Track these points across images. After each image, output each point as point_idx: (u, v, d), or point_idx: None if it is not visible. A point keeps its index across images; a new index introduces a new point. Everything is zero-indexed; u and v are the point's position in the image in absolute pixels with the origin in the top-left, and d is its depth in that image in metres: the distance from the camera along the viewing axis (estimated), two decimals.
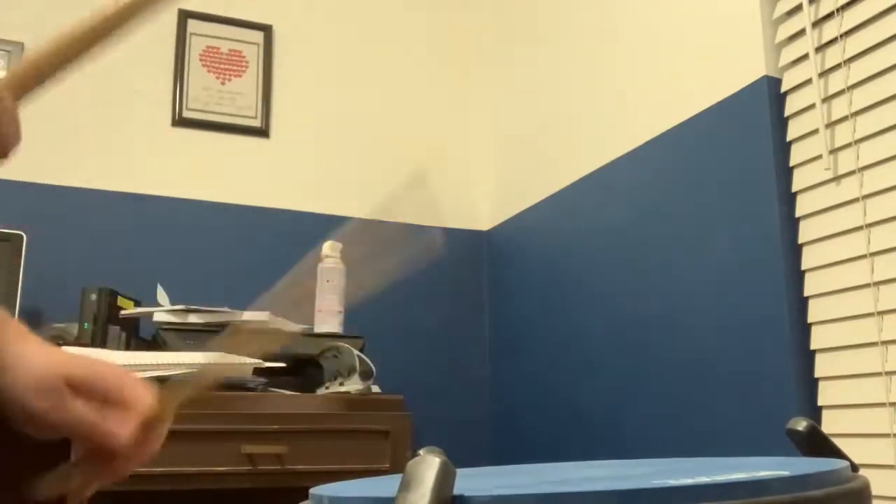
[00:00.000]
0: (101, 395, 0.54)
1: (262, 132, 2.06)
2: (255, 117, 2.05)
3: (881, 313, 1.11)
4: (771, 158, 1.27)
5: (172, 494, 1.30)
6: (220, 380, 0.57)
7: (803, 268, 1.24)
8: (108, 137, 1.91)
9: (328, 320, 1.68)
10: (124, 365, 1.31)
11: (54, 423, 0.51)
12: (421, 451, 0.46)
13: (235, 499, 1.39)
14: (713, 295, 1.37)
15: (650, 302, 1.52)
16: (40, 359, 0.53)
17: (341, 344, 1.53)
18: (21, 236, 1.60)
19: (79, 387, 0.53)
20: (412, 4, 2.32)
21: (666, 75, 1.54)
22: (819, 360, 1.20)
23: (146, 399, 0.55)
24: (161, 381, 1.29)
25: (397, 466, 1.38)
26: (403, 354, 2.04)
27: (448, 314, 2.15)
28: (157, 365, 1.30)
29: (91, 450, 0.53)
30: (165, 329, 1.50)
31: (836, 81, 1.21)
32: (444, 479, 0.34)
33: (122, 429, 0.53)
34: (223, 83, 2.03)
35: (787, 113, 1.29)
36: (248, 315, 1.58)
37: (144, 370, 1.29)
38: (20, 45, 1.86)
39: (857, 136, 1.17)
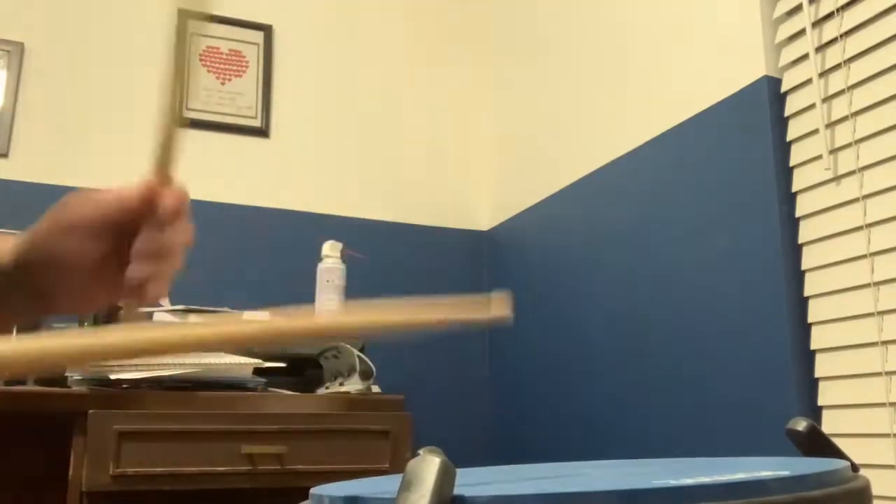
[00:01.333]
0: (102, 192, 0.53)
1: (262, 132, 2.06)
2: (255, 117, 2.05)
3: (881, 313, 1.11)
4: (771, 158, 1.27)
5: (172, 494, 1.30)
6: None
7: (803, 268, 1.24)
8: (107, 137, 1.91)
9: None
10: (124, 365, 1.31)
11: (73, 215, 0.50)
12: (421, 451, 0.46)
13: (235, 499, 1.39)
14: (713, 295, 1.36)
15: (650, 302, 1.52)
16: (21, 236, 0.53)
17: (341, 344, 1.53)
18: None
19: (79, 196, 0.53)
20: (412, 5, 2.32)
21: (666, 75, 1.54)
22: (819, 360, 1.20)
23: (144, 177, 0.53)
24: (158, 382, 1.29)
25: (397, 466, 1.38)
26: (403, 354, 2.04)
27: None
28: (158, 365, 1.30)
29: (132, 233, 0.51)
30: None
31: (836, 81, 1.21)
32: (445, 479, 0.34)
33: (138, 186, 0.52)
34: (223, 83, 2.03)
35: (787, 113, 1.29)
36: (248, 315, 1.58)
37: (144, 370, 1.29)
38: (20, 45, 1.86)
39: (857, 136, 1.17)
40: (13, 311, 0.54)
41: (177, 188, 0.54)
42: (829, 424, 1.17)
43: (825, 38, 1.24)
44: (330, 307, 1.69)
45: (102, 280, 0.52)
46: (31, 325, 0.51)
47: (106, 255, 0.52)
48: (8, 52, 1.85)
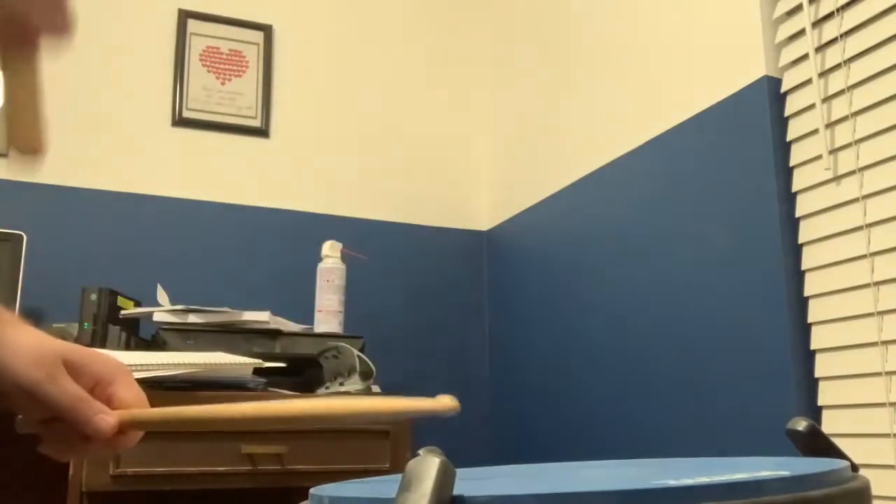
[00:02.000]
0: (93, 380, 0.55)
1: (262, 132, 2.06)
2: (255, 117, 2.05)
3: (881, 313, 1.11)
4: (771, 158, 1.27)
5: (172, 494, 1.30)
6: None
7: (803, 268, 1.24)
8: (108, 137, 1.91)
9: (328, 320, 1.68)
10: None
11: (45, 395, 0.53)
12: (421, 451, 0.46)
13: (235, 499, 1.39)
14: (713, 294, 1.37)
15: (650, 302, 1.52)
16: (38, 337, 0.55)
17: (341, 344, 1.53)
18: (21, 236, 1.60)
19: (73, 367, 0.54)
20: (412, 5, 2.32)
21: (666, 75, 1.54)
22: (819, 360, 1.20)
23: (133, 397, 0.57)
24: (158, 382, 1.29)
25: (397, 466, 1.38)
26: (403, 354, 2.04)
27: (448, 314, 2.15)
28: (157, 365, 1.30)
29: (73, 427, 0.54)
30: (165, 329, 1.50)
31: (836, 81, 1.21)
32: (444, 479, 0.34)
33: (104, 419, 0.55)
34: (223, 83, 2.03)
35: (787, 113, 1.29)
36: (248, 315, 1.58)
37: (144, 370, 1.29)
38: None
39: (857, 136, 1.17)
40: None
41: (129, 438, 0.59)
42: (829, 424, 1.17)
43: (825, 38, 1.24)
44: (329, 307, 1.69)
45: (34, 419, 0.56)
46: None
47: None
48: None
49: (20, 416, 0.56)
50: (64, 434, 0.55)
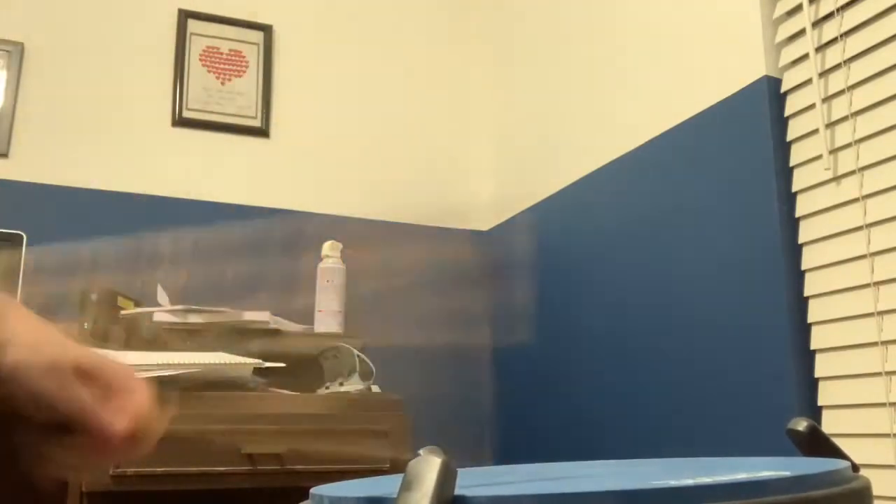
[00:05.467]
0: (105, 385, 0.54)
1: (262, 132, 2.06)
2: (255, 117, 2.05)
3: (881, 313, 1.11)
4: (771, 158, 1.27)
5: (172, 494, 1.30)
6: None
7: (803, 268, 1.24)
8: (108, 137, 1.91)
9: (328, 320, 1.68)
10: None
11: (56, 403, 0.52)
12: (422, 451, 0.46)
13: (235, 499, 1.39)
14: (713, 295, 1.37)
15: (650, 302, 1.52)
16: (50, 340, 0.54)
17: (341, 344, 1.53)
18: (21, 236, 1.60)
19: (85, 374, 0.53)
20: (412, 5, 2.32)
21: (665, 75, 1.54)
22: (819, 360, 1.20)
23: (147, 398, 0.56)
24: (161, 380, 1.29)
25: (397, 466, 1.38)
26: (403, 354, 2.04)
27: (448, 314, 2.15)
28: (157, 365, 1.30)
29: (84, 436, 0.53)
30: (165, 329, 1.50)
31: (836, 81, 1.21)
32: (445, 479, 0.34)
33: (119, 420, 0.54)
34: (223, 83, 2.03)
35: (787, 113, 1.29)
36: (248, 315, 1.58)
37: (144, 370, 1.29)
38: (20, 46, 1.86)
39: (857, 136, 1.17)
40: None
41: (149, 434, 0.57)
42: (829, 424, 1.17)
43: (825, 38, 1.24)
44: (329, 307, 1.69)
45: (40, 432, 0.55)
46: None
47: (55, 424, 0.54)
48: (8, 52, 1.84)
49: (26, 442, 0.55)
50: (75, 451, 0.54)
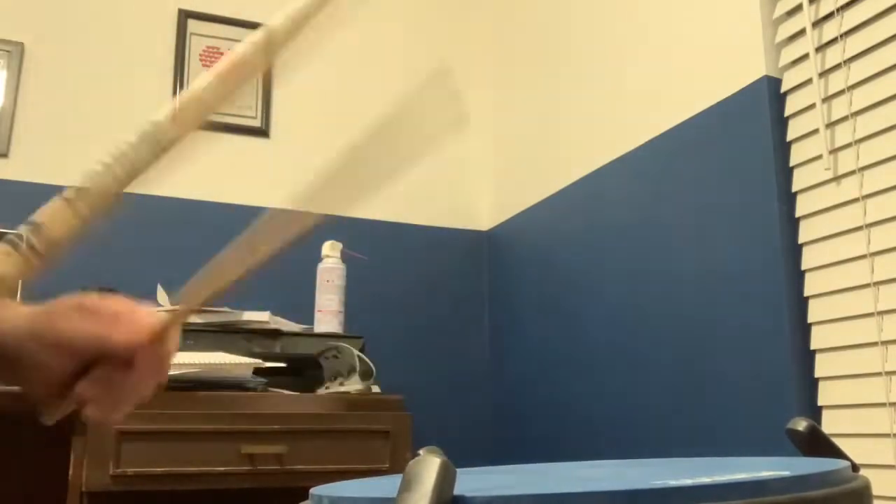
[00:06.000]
0: (111, 314, 0.54)
1: (262, 132, 2.06)
2: (255, 117, 2.05)
3: (881, 313, 1.11)
4: (771, 158, 1.27)
5: (172, 494, 1.30)
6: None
7: (803, 268, 1.24)
8: (108, 137, 1.90)
9: (328, 320, 1.68)
10: None
11: (62, 333, 0.52)
12: (421, 451, 0.46)
13: (235, 499, 1.39)
14: (713, 295, 1.36)
15: (650, 302, 1.52)
16: (47, 304, 0.54)
17: (341, 344, 1.53)
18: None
19: (89, 310, 0.53)
20: (412, 5, 2.32)
21: (666, 75, 1.54)
22: (819, 360, 1.20)
23: (153, 315, 0.56)
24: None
25: (397, 466, 1.38)
26: (403, 354, 2.03)
27: (448, 314, 2.15)
28: None
29: (107, 365, 0.53)
30: None
31: (836, 81, 1.21)
32: (445, 479, 0.34)
33: (132, 335, 0.53)
34: None
35: (787, 113, 1.29)
36: (248, 315, 1.58)
37: None
38: (20, 46, 1.86)
39: (857, 136, 1.17)
40: None
41: (166, 349, 0.56)
42: (829, 424, 1.17)
43: (825, 38, 1.24)
44: (329, 307, 1.69)
45: (66, 387, 0.54)
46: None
47: (76, 371, 0.54)
48: (8, 52, 1.84)
49: (46, 406, 0.55)
50: (103, 379, 0.53)
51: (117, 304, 0.55)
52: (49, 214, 0.58)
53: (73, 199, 0.59)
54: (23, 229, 0.57)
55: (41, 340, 0.52)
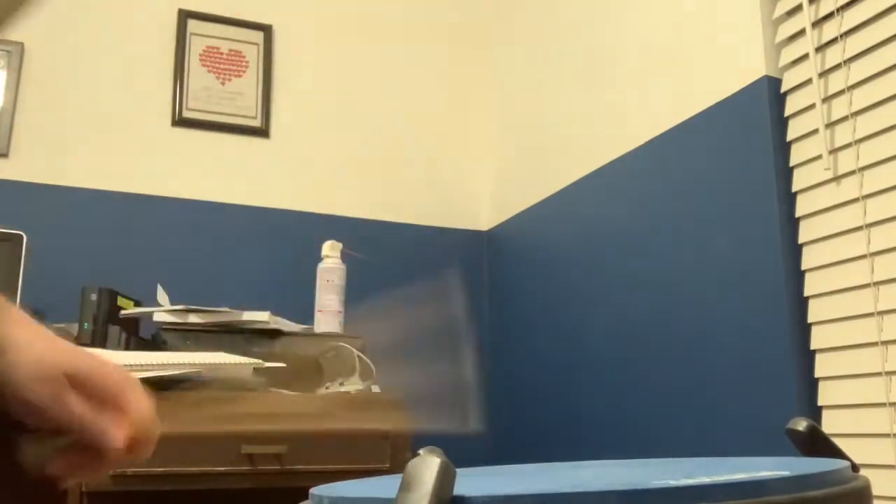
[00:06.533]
0: (100, 394, 0.53)
1: (262, 132, 2.06)
2: (255, 117, 2.05)
3: (881, 313, 1.11)
4: (771, 158, 1.27)
5: (172, 494, 1.30)
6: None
7: (803, 268, 1.24)
8: (107, 137, 1.91)
9: (328, 320, 1.68)
10: (124, 365, 1.31)
11: (50, 413, 0.51)
12: (421, 451, 0.46)
13: (235, 499, 1.39)
14: (713, 295, 1.36)
15: (650, 302, 1.52)
16: (42, 346, 0.52)
17: (341, 344, 1.53)
18: (21, 236, 1.60)
19: (79, 382, 0.52)
20: (412, 5, 2.32)
21: (666, 75, 1.54)
22: (819, 360, 1.20)
23: (144, 405, 0.55)
24: (158, 381, 1.29)
25: (397, 466, 1.38)
26: (403, 354, 2.03)
27: (447, 313, 2.14)
28: (157, 365, 1.30)
29: (80, 444, 0.52)
30: (165, 329, 1.50)
31: (836, 81, 1.21)
32: (444, 479, 0.34)
33: (116, 430, 0.52)
34: (223, 83, 2.03)
35: (787, 113, 1.29)
36: (248, 315, 1.58)
37: (144, 370, 1.29)
38: (20, 46, 1.86)
39: (857, 136, 1.17)
40: None
41: (152, 438, 0.55)
42: (829, 424, 1.17)
43: (825, 38, 1.24)
44: (329, 307, 1.69)
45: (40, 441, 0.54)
46: None
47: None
48: (8, 52, 1.84)
49: (25, 447, 0.54)
50: (71, 452, 0.53)
51: (109, 379, 0.54)
52: None
53: None
54: None
55: (25, 411, 0.51)
